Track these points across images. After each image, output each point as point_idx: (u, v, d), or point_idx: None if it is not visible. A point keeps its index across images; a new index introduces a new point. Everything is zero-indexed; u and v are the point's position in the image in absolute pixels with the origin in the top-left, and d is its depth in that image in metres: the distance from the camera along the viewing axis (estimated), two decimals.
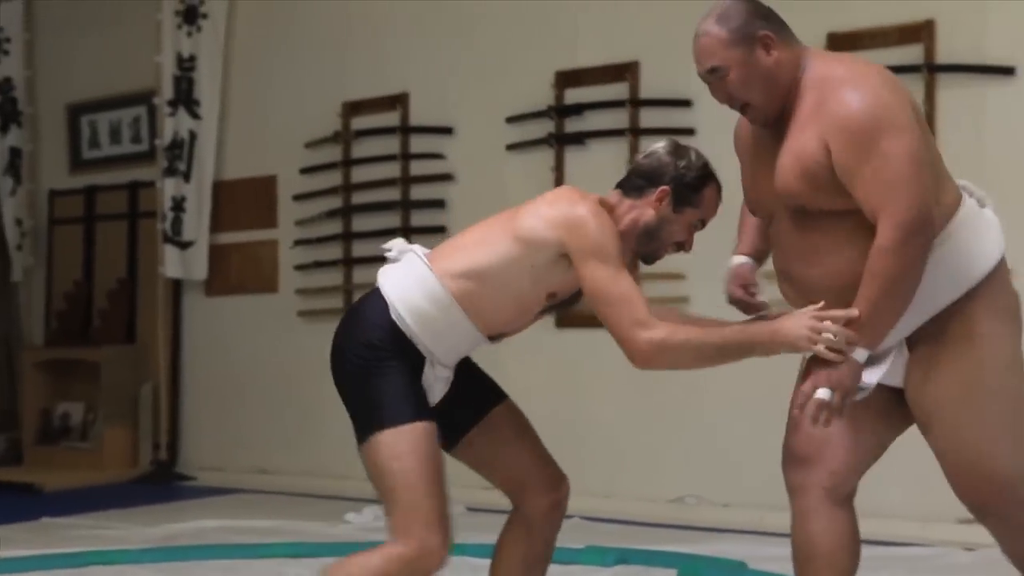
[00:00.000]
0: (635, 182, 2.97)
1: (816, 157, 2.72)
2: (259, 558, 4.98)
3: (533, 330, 6.56)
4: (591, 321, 6.25)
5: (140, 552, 5.07)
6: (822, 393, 2.69)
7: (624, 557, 4.70)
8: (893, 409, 2.95)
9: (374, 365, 2.87)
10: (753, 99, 2.83)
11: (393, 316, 2.88)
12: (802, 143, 2.75)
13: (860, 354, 2.69)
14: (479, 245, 2.91)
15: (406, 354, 2.88)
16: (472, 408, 3.08)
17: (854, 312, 2.65)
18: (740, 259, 3.08)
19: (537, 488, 3.16)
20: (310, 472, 7.02)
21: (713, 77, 2.85)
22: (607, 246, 2.80)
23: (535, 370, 6.20)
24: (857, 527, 3.03)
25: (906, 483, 5.16)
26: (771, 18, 2.86)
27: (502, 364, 6.27)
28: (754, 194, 2.96)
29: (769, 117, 2.84)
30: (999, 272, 2.82)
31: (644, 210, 2.96)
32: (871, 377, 2.79)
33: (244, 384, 7.41)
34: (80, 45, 8.34)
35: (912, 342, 2.84)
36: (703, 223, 3.01)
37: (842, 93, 2.72)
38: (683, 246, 3.02)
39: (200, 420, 7.65)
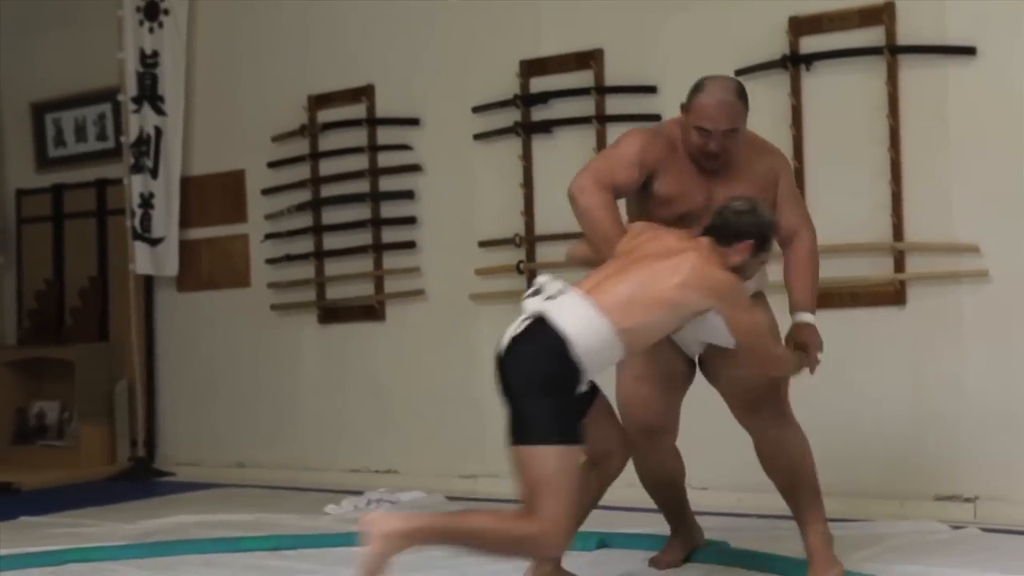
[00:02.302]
0: (727, 235, 3.78)
1: (771, 183, 4.04)
2: (239, 552, 4.98)
3: (507, 317, 6.60)
4: None
5: (119, 548, 5.07)
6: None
7: (605, 541, 4.74)
8: (687, 377, 4.22)
9: (555, 387, 3.51)
10: (733, 152, 3.98)
11: (571, 353, 3.51)
12: (757, 175, 4.03)
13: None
14: (638, 304, 3.59)
15: (573, 380, 3.55)
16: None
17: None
18: None
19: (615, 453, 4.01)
20: (288, 465, 7.05)
21: (730, 134, 3.94)
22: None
23: None
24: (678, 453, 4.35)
25: (883, 463, 5.24)
26: None
27: (477, 351, 6.37)
28: (685, 203, 4.01)
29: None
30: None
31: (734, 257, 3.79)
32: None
33: (220, 379, 7.42)
34: (42, 43, 8.31)
35: None
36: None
37: (774, 148, 4.18)
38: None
39: (176, 416, 7.65)
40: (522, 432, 3.51)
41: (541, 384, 3.51)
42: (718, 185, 4.01)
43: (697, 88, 4.00)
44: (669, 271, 3.61)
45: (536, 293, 3.63)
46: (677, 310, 3.64)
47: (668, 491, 4.38)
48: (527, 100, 6.18)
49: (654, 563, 4.39)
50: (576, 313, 3.55)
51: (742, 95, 4.00)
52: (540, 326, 3.55)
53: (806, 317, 4.01)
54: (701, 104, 3.95)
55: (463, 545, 3.53)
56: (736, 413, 4.15)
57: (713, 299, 3.63)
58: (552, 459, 3.46)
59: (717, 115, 3.92)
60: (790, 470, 4.08)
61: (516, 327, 3.59)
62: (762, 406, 4.06)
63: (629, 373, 4.17)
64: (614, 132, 5.92)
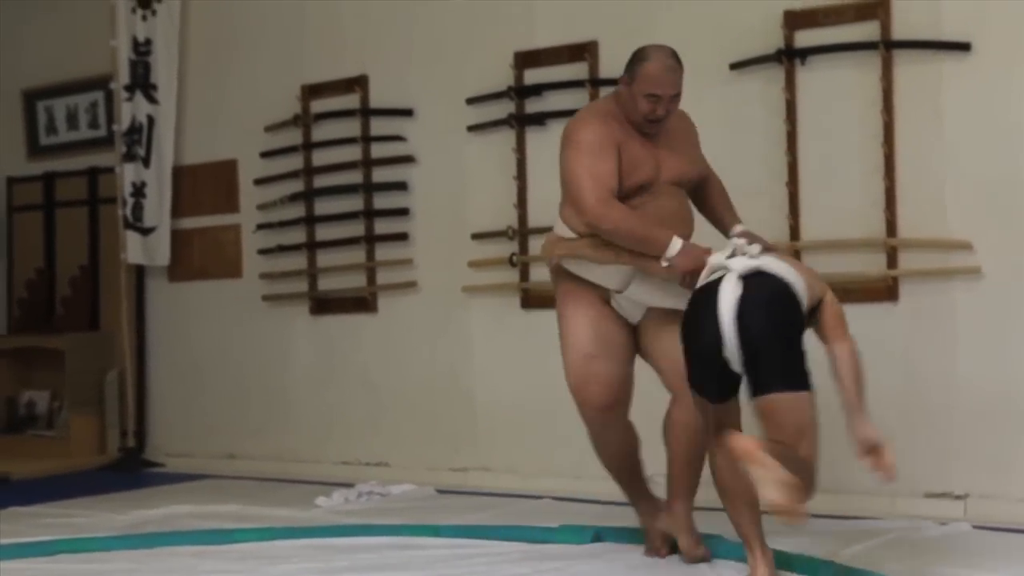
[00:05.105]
0: None
1: (697, 142, 4.46)
2: (230, 543, 4.98)
3: (499, 310, 6.64)
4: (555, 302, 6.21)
5: (110, 539, 5.07)
6: None
7: (600, 535, 4.75)
8: (632, 348, 4.40)
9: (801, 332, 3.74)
10: (672, 115, 4.24)
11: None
12: (688, 137, 4.41)
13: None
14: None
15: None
16: None
17: None
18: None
19: None
20: (278, 457, 7.04)
21: (676, 99, 4.22)
22: None
23: (502, 351, 6.23)
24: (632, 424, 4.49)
25: None
26: None
27: (470, 344, 6.36)
28: (641, 173, 4.21)
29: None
30: None
31: None
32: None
33: (211, 370, 7.41)
34: (34, 30, 8.28)
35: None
36: None
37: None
38: None
39: (167, 407, 7.64)
40: (793, 378, 3.62)
41: (797, 330, 3.68)
42: (661, 151, 4.27)
43: (642, 58, 4.21)
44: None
45: (733, 255, 3.83)
46: None
47: (625, 463, 4.49)
48: (521, 92, 6.17)
49: (654, 552, 4.46)
50: (782, 263, 3.82)
51: (680, 61, 4.25)
52: (767, 279, 3.73)
53: (741, 226, 4.34)
54: (650, 72, 4.16)
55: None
56: (671, 380, 4.30)
57: None
58: (812, 404, 3.66)
59: (666, 80, 4.17)
60: (695, 448, 4.27)
61: (731, 286, 3.70)
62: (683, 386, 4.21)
63: (577, 352, 4.32)
64: None
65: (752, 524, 3.94)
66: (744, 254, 3.81)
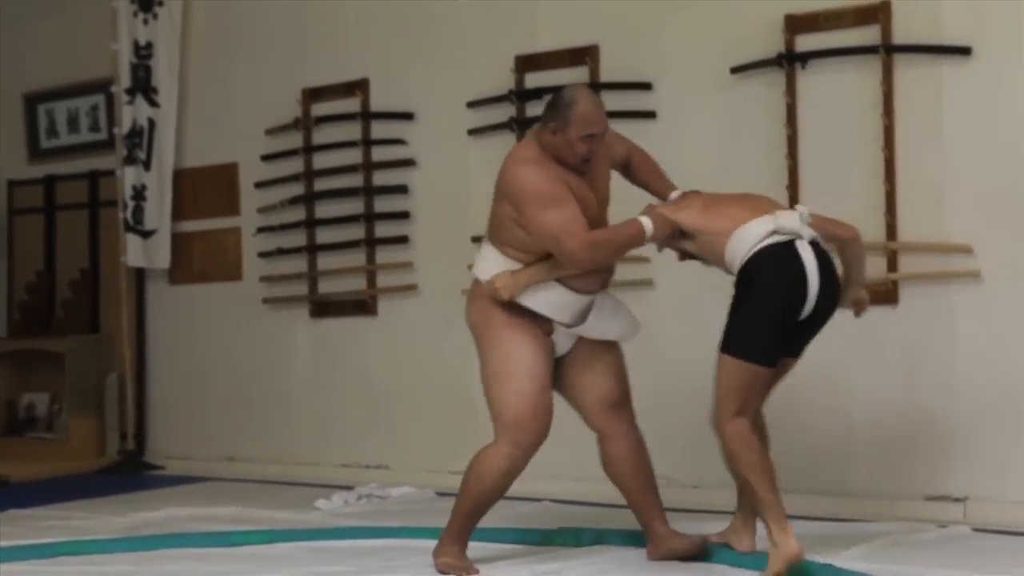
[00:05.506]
0: None
1: (609, 152, 4.40)
2: (230, 546, 4.98)
3: None
4: None
5: (110, 542, 5.07)
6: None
7: (600, 537, 4.75)
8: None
9: None
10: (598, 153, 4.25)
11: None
12: (603, 156, 4.32)
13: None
14: None
15: None
16: None
17: None
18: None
19: None
20: (278, 460, 7.04)
21: (606, 134, 4.24)
22: None
23: None
24: None
25: (874, 462, 5.25)
26: None
27: (468, 348, 6.33)
28: (589, 209, 4.21)
29: None
30: None
31: None
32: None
33: (210, 372, 7.41)
34: (36, 34, 8.29)
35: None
36: None
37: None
38: None
39: (167, 409, 7.64)
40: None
41: None
42: (594, 182, 4.31)
43: (569, 103, 4.16)
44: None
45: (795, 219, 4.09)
46: None
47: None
48: (522, 96, 6.17)
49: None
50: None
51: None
52: (820, 247, 4.11)
53: (679, 191, 4.43)
54: (583, 113, 4.15)
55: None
56: (596, 418, 4.43)
57: None
58: None
59: (600, 117, 4.20)
60: (648, 468, 4.46)
61: (809, 251, 4.04)
62: (623, 407, 4.43)
63: (534, 381, 4.28)
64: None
65: (778, 501, 4.00)
66: (804, 221, 4.11)
